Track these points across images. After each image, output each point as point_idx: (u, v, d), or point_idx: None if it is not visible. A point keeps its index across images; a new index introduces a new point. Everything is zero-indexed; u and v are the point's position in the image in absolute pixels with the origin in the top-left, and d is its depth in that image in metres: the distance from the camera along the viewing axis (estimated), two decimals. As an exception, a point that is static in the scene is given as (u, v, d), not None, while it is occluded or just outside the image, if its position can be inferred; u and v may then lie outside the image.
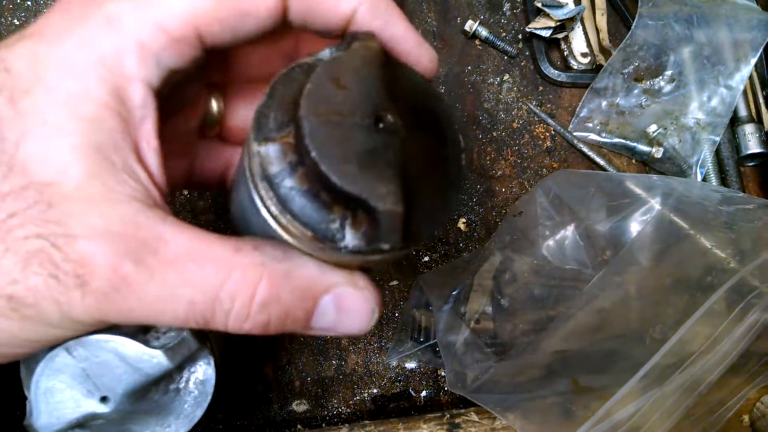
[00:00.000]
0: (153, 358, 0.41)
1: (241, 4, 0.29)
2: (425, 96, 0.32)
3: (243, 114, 0.40)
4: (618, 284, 0.55)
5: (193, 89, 0.38)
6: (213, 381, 0.46)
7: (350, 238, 0.28)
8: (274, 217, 0.29)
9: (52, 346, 0.39)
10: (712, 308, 0.46)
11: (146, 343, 0.41)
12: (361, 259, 0.30)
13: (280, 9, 0.30)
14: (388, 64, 0.31)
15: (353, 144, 0.27)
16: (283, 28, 0.31)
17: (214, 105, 0.39)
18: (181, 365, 0.44)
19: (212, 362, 0.46)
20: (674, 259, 0.56)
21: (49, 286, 0.26)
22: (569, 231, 0.69)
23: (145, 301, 0.27)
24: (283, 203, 0.28)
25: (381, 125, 0.28)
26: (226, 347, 0.60)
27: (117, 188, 0.27)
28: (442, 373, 0.69)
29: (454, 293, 0.64)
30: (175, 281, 0.27)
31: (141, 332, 0.42)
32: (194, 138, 0.40)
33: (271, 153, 0.28)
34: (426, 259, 0.73)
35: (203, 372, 0.46)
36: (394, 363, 0.69)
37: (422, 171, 0.30)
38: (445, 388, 0.69)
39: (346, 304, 0.30)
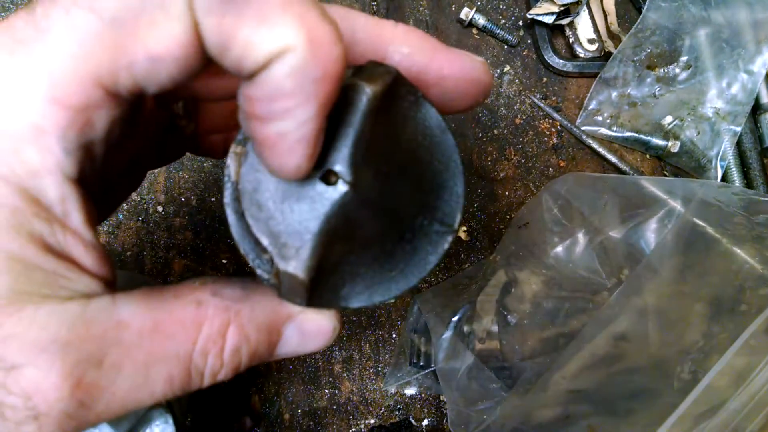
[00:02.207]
0: (96, 430, 0.36)
1: (144, 44, 0.23)
2: (424, 154, 0.28)
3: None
4: (636, 304, 0.49)
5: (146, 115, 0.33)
6: None
7: (275, 282, 0.26)
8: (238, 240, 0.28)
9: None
10: (748, 339, 0.40)
11: None
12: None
13: (196, 45, 0.23)
14: (388, 107, 0.26)
15: (286, 193, 0.26)
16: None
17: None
18: (134, 429, 0.39)
19: (170, 420, 0.41)
20: (700, 274, 0.50)
21: None
22: (580, 239, 0.63)
23: (119, 397, 0.25)
24: (237, 218, 0.27)
25: (327, 180, 0.25)
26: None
27: (53, 294, 0.24)
28: (445, 399, 0.64)
29: (455, 319, 0.58)
30: (146, 362, 0.25)
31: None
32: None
33: (231, 162, 0.27)
34: (424, 273, 0.67)
35: None
36: (393, 389, 0.63)
37: (372, 238, 0.27)
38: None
39: (309, 328, 0.30)
